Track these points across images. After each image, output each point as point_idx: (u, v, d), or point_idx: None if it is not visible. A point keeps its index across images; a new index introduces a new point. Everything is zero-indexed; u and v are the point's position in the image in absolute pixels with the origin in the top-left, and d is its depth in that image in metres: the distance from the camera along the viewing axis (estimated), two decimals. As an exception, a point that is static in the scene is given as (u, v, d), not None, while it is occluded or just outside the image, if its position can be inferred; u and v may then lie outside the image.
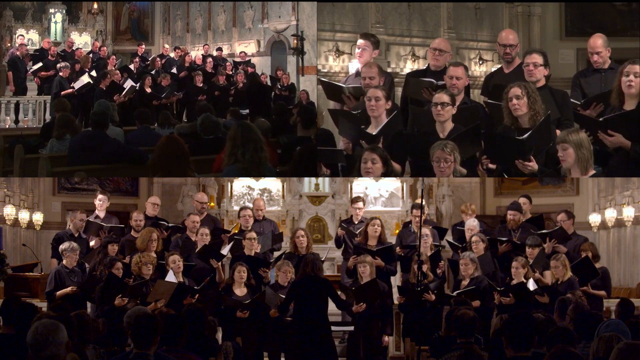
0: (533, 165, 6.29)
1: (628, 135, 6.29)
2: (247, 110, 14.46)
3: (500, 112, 6.77)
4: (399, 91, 10.40)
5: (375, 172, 6.53)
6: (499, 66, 8.22)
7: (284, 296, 8.27)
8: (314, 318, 7.80)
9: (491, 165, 6.56)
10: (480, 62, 13.92)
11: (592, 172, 6.14)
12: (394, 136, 6.94)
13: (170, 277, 8.44)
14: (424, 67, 8.41)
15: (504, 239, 9.30)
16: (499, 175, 6.99)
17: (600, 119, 6.53)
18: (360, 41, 8.17)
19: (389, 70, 11.73)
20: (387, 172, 6.65)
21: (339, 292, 8.40)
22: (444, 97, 6.77)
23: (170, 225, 9.95)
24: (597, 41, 7.62)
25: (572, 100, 7.30)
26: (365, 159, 6.51)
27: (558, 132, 6.59)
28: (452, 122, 6.80)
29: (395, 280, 10.06)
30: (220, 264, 9.12)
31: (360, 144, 6.94)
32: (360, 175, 7.34)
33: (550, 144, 6.48)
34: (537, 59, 7.19)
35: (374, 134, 6.88)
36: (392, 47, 12.77)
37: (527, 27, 13.94)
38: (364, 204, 10.16)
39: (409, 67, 12.48)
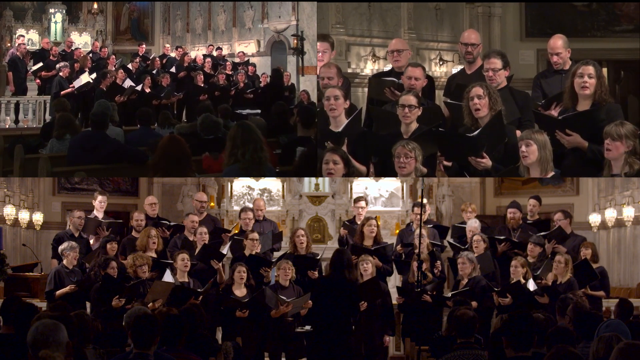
0: (486, 162, 6.33)
1: (585, 135, 6.31)
2: (247, 111, 14.46)
3: (460, 112, 6.80)
4: (359, 92, 10.48)
5: (337, 172, 6.59)
6: (461, 67, 8.26)
7: (284, 297, 8.25)
8: (339, 318, 7.76)
9: (446, 163, 6.61)
10: (441, 63, 13.90)
11: (552, 173, 6.18)
12: (358, 137, 6.97)
13: (168, 277, 8.42)
14: (385, 68, 8.48)
15: (502, 237, 9.30)
16: (459, 174, 7.03)
17: (560, 118, 6.55)
18: (318, 44, 8.27)
19: (349, 70, 11.84)
20: (350, 173, 6.72)
21: None
22: (411, 99, 6.81)
23: (172, 224, 9.95)
24: (557, 42, 7.63)
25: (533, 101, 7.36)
26: (327, 160, 6.57)
27: (518, 132, 6.65)
28: (416, 122, 6.85)
29: (396, 281, 10.07)
30: (221, 264, 9.11)
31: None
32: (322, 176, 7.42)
33: (504, 140, 6.53)
34: (496, 63, 7.23)
35: (337, 131, 6.91)
36: (353, 47, 12.80)
37: (487, 27, 13.91)
38: (366, 204, 10.16)
39: (369, 67, 12.51)
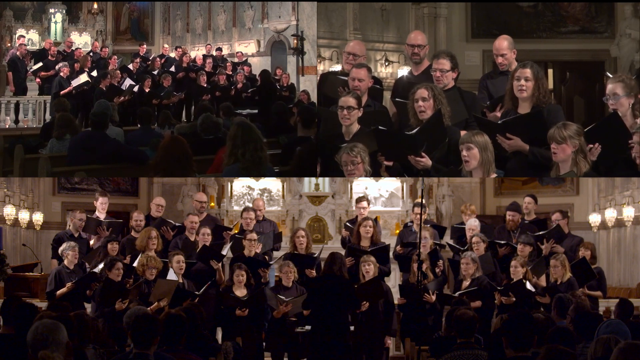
0: (425, 161, 6.34)
1: (526, 138, 6.31)
2: (247, 110, 14.46)
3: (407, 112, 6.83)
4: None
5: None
6: (407, 68, 8.24)
7: (283, 297, 8.25)
8: (335, 319, 7.70)
9: (387, 163, 6.62)
10: (387, 64, 13.96)
11: (494, 175, 6.21)
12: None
13: (172, 276, 8.42)
14: (333, 69, 8.46)
15: (502, 242, 9.29)
16: (400, 174, 7.03)
17: (499, 122, 6.55)
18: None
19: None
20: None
21: None
22: (350, 100, 6.81)
23: (176, 225, 9.92)
24: (503, 43, 7.62)
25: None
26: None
27: (463, 133, 6.65)
28: (357, 123, 6.85)
29: (396, 281, 10.07)
30: (220, 264, 9.11)
31: None
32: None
33: (444, 140, 6.53)
34: (445, 64, 7.21)
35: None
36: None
37: (433, 28, 13.97)
38: (368, 204, 10.14)
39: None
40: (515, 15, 13.75)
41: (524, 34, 13.47)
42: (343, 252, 9.61)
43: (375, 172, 6.72)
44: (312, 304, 8.01)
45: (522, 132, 6.30)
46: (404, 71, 8.85)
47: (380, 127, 6.60)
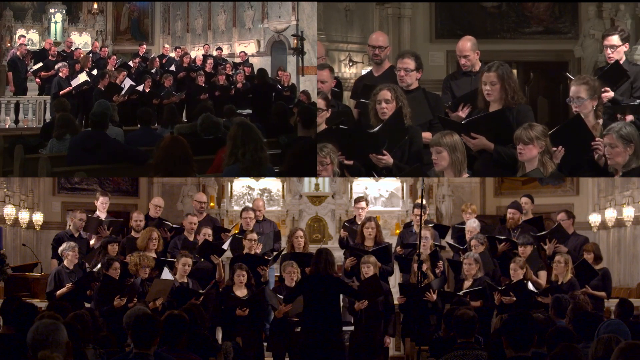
0: (387, 159, 6.37)
1: (491, 137, 6.34)
2: (248, 111, 14.45)
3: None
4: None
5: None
6: (369, 69, 8.26)
7: (281, 296, 8.24)
8: (325, 317, 7.61)
9: (347, 162, 6.62)
10: (350, 64, 13.96)
11: (466, 175, 6.23)
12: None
13: (166, 275, 8.41)
14: None
15: (502, 237, 9.29)
16: (360, 174, 7.05)
17: (463, 122, 6.58)
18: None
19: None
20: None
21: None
22: (319, 102, 6.82)
23: (174, 226, 9.93)
24: (465, 44, 7.64)
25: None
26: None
27: (429, 134, 6.68)
28: (325, 124, 6.88)
29: (396, 281, 10.06)
30: (220, 259, 9.11)
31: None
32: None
33: (404, 137, 6.54)
34: (409, 63, 7.23)
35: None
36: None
37: (397, 29, 13.95)
38: (367, 204, 10.15)
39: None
40: (479, 16, 13.76)
41: (488, 34, 13.49)
42: (341, 252, 9.63)
43: (342, 173, 6.74)
44: (303, 303, 7.94)
45: (487, 131, 6.35)
46: (367, 71, 8.91)
47: (341, 126, 6.63)
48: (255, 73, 16.47)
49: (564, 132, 6.25)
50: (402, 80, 7.15)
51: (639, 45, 13.58)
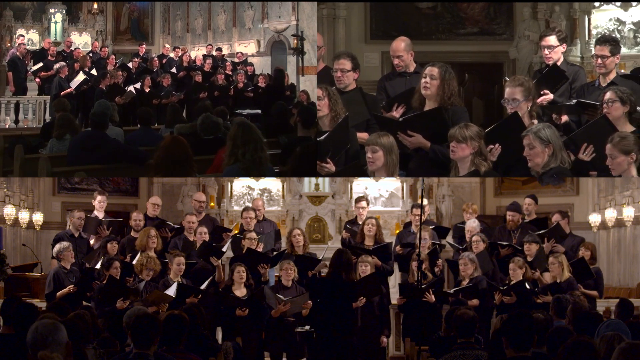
0: (330, 167, 6.39)
1: (427, 135, 6.36)
2: (247, 111, 14.45)
3: None
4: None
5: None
6: None
7: (282, 297, 8.24)
8: (338, 319, 7.65)
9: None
10: None
11: (397, 176, 6.24)
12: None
13: (171, 291, 8.28)
14: None
15: (504, 243, 9.29)
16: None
17: (400, 119, 6.59)
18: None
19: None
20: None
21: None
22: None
23: (175, 227, 9.91)
24: (400, 45, 7.64)
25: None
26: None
27: (365, 134, 6.69)
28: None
29: (396, 280, 10.07)
30: (220, 262, 9.11)
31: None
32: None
33: (347, 146, 6.58)
34: (346, 64, 7.23)
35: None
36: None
37: (332, 29, 13.95)
38: (367, 204, 10.16)
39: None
40: (414, 17, 13.80)
41: (423, 35, 13.54)
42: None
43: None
44: (318, 306, 7.93)
45: (423, 129, 6.38)
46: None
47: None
48: (273, 72, 16.49)
49: (501, 130, 6.29)
50: (339, 81, 7.18)
51: (574, 46, 13.68)
